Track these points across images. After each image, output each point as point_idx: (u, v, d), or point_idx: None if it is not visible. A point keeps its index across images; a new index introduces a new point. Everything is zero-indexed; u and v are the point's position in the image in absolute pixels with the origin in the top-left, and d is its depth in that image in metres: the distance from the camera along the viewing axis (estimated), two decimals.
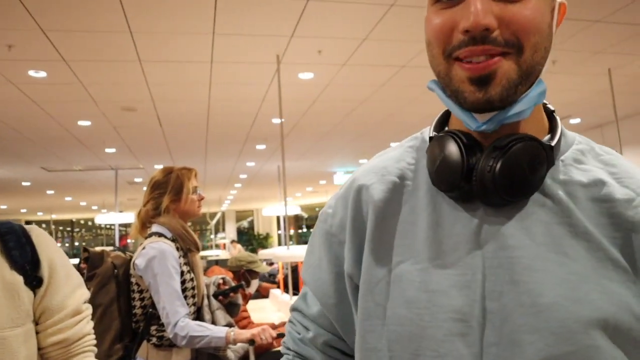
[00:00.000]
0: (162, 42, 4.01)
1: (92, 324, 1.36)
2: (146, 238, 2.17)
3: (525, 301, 0.59)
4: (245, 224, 24.91)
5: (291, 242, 22.62)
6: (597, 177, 0.64)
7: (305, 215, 22.52)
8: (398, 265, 0.68)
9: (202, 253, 12.63)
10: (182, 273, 2.12)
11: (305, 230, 24.30)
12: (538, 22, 0.60)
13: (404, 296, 0.66)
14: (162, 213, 2.22)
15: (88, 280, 2.11)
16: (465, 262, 0.63)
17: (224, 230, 23.20)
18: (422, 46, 0.67)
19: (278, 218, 20.19)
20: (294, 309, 0.89)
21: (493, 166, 0.61)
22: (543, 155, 0.62)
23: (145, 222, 2.25)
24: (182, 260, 2.15)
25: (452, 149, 0.65)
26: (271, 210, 12.39)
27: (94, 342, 1.35)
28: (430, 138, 0.71)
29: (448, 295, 0.63)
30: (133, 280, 2.12)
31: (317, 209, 22.15)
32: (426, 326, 0.63)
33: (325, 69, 4.91)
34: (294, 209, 12.20)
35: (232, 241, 16.13)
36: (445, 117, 0.76)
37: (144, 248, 2.09)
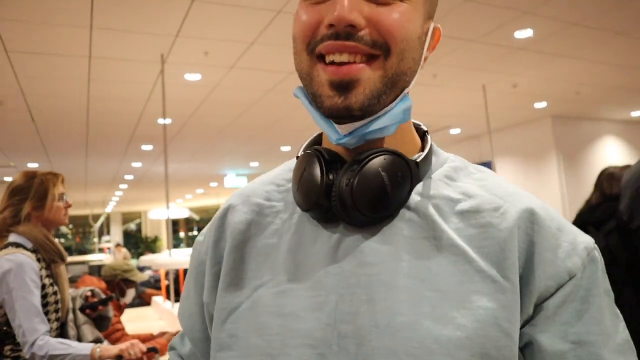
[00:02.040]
0: (31, 32, 3.71)
1: None
2: (2, 249, 1.99)
3: (381, 321, 0.55)
4: (132, 226, 23.79)
5: (182, 245, 21.97)
6: (466, 190, 0.62)
7: (197, 217, 21.97)
8: (256, 290, 0.64)
9: (84, 257, 11.87)
10: (43, 286, 1.96)
11: (196, 232, 23.72)
12: (407, 28, 0.58)
13: (257, 322, 0.61)
14: (21, 221, 2.04)
15: None
16: (319, 282, 0.59)
17: (109, 233, 22.01)
18: None
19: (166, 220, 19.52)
20: (170, 347, 0.83)
21: (351, 181, 0.58)
22: (406, 170, 0.60)
23: (1, 231, 2.05)
24: (44, 272, 2.00)
25: (312, 165, 0.62)
26: (158, 214, 11.95)
27: None
28: (297, 157, 0.68)
29: (300, 319, 0.59)
30: None
31: (211, 211, 21.72)
32: (275, 354, 0.58)
33: (213, 71, 4.82)
34: (183, 212, 11.87)
35: (117, 245, 15.30)
36: (319, 137, 0.73)
37: None
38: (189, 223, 23.34)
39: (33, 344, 1.85)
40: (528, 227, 0.58)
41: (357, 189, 0.58)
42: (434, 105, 6.67)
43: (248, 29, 3.89)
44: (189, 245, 21.25)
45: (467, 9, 3.74)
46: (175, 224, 22.03)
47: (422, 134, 0.69)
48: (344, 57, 0.57)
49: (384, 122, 0.59)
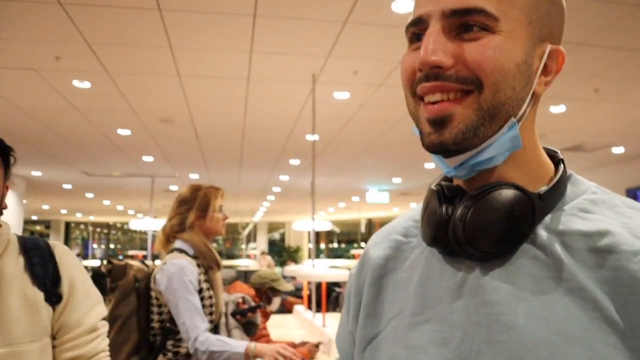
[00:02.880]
0: (200, 58, 4.11)
1: (107, 341, 1.39)
2: (168, 253, 2.21)
3: None
4: (276, 235, 25.03)
5: (322, 256, 22.59)
6: (603, 226, 0.56)
7: (337, 230, 22.49)
8: (389, 322, 0.67)
9: (232, 262, 12.74)
10: (201, 290, 2.14)
11: (336, 245, 24.25)
12: (498, 59, 0.57)
13: (389, 352, 0.64)
14: (186, 229, 2.25)
15: (110, 291, 2.16)
16: (445, 318, 0.60)
17: (255, 240, 23.37)
18: None
19: (309, 232, 20.22)
20: None
21: (465, 215, 0.58)
22: (526, 204, 0.57)
23: (169, 237, 2.28)
24: (202, 277, 2.18)
25: (433, 200, 0.64)
26: (302, 225, 12.43)
27: (108, 358, 1.37)
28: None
29: (426, 352, 0.60)
30: (153, 294, 2.16)
31: (351, 225, 22.09)
32: None
33: (361, 89, 4.92)
34: (325, 225, 12.20)
35: (262, 252, 16.20)
36: None
37: (164, 264, 2.12)
38: (329, 235, 23.94)
39: (196, 339, 2.02)
40: None
41: (469, 224, 0.58)
42: (595, 122, 6.12)
43: (396, 48, 3.92)
44: (328, 256, 21.79)
45: (638, 18, 3.40)
46: (316, 235, 22.73)
47: (557, 163, 0.65)
48: (437, 97, 0.58)
49: (491, 152, 0.59)
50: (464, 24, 0.58)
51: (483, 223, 0.57)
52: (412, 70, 0.61)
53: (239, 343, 2.08)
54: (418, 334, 0.62)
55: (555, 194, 0.61)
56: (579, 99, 5.18)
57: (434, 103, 0.59)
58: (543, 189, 0.60)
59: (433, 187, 0.66)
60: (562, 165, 0.64)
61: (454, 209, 0.61)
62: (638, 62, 4.21)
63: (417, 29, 0.62)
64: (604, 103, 5.35)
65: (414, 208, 0.78)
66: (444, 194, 0.63)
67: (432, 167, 9.26)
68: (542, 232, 0.58)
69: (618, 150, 7.64)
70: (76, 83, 4.65)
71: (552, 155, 0.67)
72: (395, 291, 0.69)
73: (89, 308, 1.33)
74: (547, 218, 0.59)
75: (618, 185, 8.34)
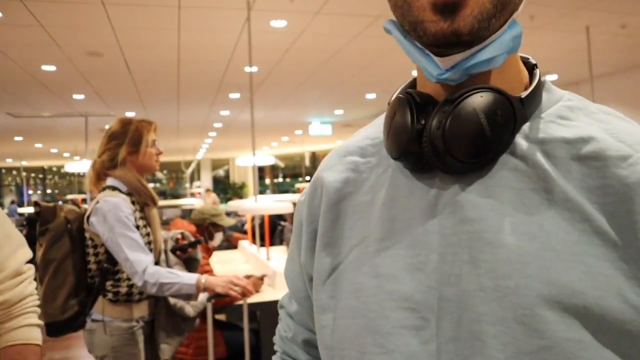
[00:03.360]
0: None
1: (34, 284, 1.32)
2: (100, 191, 2.11)
3: (486, 284, 0.49)
4: (221, 172, 24.80)
5: (268, 191, 22.67)
6: (586, 132, 0.52)
7: (282, 164, 22.49)
8: (351, 250, 0.61)
9: (177, 202, 12.58)
10: (137, 227, 2.07)
11: (282, 179, 24.32)
12: None
13: (353, 284, 0.58)
14: (118, 165, 2.15)
15: (40, 235, 2.05)
16: (418, 240, 0.55)
17: (199, 178, 23.10)
18: None
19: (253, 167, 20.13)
20: (280, 306, 0.83)
21: (443, 123, 0.52)
22: (507, 108, 0.52)
23: (100, 174, 2.17)
24: (137, 214, 2.10)
25: (403, 110, 0.56)
26: (245, 160, 12.31)
27: (37, 302, 1.31)
28: (389, 104, 0.61)
29: (398, 280, 0.54)
30: (87, 234, 2.07)
31: (296, 159, 22.12)
32: (373, 317, 0.55)
33: (299, 17, 4.75)
34: (269, 159, 12.14)
35: (207, 190, 16.07)
36: (414, 82, 0.66)
37: (97, 202, 2.03)
38: (274, 170, 23.94)
39: (144, 272, 1.96)
40: None
41: (449, 132, 0.51)
42: (529, 50, 6.21)
43: None
44: (274, 191, 21.88)
45: None
46: (261, 171, 22.69)
47: (531, 68, 0.60)
48: None
49: (493, 51, 0.51)
50: None
51: (464, 130, 0.51)
52: None
53: (189, 275, 2.04)
54: (387, 260, 0.56)
55: (533, 101, 0.55)
56: None
57: None
58: (523, 93, 0.54)
59: (400, 95, 0.59)
60: (536, 70, 0.59)
61: (427, 118, 0.55)
62: None
63: None
64: (539, 30, 5.41)
65: (369, 125, 0.71)
66: (415, 102, 0.56)
67: (374, 97, 9.26)
68: (521, 142, 0.54)
69: (551, 77, 7.88)
70: None
71: (525, 62, 0.61)
72: (357, 216, 0.62)
73: (11, 251, 1.25)
74: (526, 127, 0.55)
75: None
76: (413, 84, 0.66)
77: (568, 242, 0.48)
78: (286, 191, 20.25)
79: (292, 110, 10.60)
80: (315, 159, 20.91)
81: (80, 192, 15.94)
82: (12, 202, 19.30)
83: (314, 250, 0.66)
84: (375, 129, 0.68)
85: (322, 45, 5.71)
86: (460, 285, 0.51)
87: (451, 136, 0.51)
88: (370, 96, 9.26)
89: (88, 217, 2.05)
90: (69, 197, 13.69)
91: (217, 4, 4.36)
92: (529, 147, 0.53)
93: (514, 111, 0.52)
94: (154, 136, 2.25)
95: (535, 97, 0.55)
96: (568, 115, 0.55)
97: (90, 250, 2.06)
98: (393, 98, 0.61)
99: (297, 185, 14.55)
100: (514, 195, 0.52)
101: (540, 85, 0.57)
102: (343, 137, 16.07)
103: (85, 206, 2.21)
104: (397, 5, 0.54)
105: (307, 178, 20.82)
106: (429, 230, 0.54)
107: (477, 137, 0.51)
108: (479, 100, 0.51)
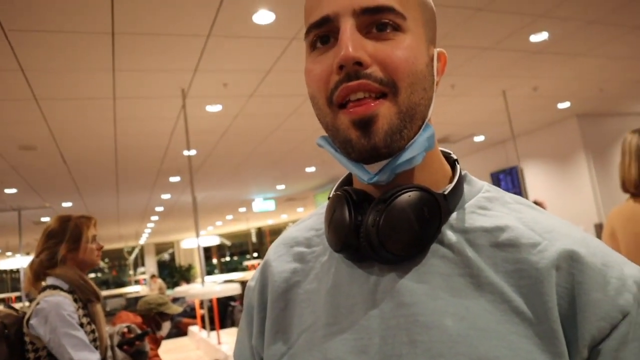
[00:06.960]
0: (58, 79, 3.86)
1: None
2: (40, 292, 2.06)
3: None
4: (166, 256, 24.09)
5: (216, 271, 22.13)
6: (502, 221, 0.59)
7: (228, 243, 22.14)
8: (301, 335, 0.64)
9: (121, 290, 12.07)
10: (82, 325, 2.02)
11: (229, 258, 23.86)
12: (412, 62, 0.58)
13: None
14: (58, 263, 2.11)
15: None
16: (361, 325, 0.59)
17: (144, 264, 22.33)
18: None
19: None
20: None
21: (377, 220, 0.58)
22: (433, 205, 0.58)
23: (39, 274, 2.12)
24: (81, 312, 2.06)
25: (341, 206, 0.62)
26: (190, 243, 12.10)
27: None
28: (328, 199, 0.68)
29: None
30: (27, 339, 2.00)
31: (242, 236, 21.86)
32: None
33: (233, 101, 4.91)
34: (214, 239, 11.98)
35: (152, 276, 15.50)
36: (350, 176, 0.72)
37: (38, 303, 1.98)
38: (221, 249, 23.52)
39: None
40: (570, 266, 0.55)
41: (382, 228, 0.57)
42: (455, 115, 6.64)
43: (264, 58, 3.97)
44: (222, 271, 21.38)
45: (480, 19, 3.75)
46: (207, 251, 22.22)
47: (452, 163, 0.68)
48: (359, 95, 0.57)
49: (411, 152, 0.59)
50: (374, 23, 0.58)
51: (395, 227, 0.57)
52: (326, 75, 0.59)
53: None
54: (334, 344, 0.60)
55: (456, 194, 0.62)
56: (438, 95, 5.57)
57: (357, 103, 0.57)
58: (447, 188, 0.61)
59: (338, 192, 0.65)
60: (457, 165, 0.67)
61: (363, 215, 0.61)
62: (484, 59, 4.64)
63: (322, 31, 0.60)
64: (460, 97, 5.82)
65: (310, 215, 0.78)
66: (352, 199, 0.62)
67: (313, 170, 9.47)
68: (448, 232, 0.60)
69: (479, 139, 8.35)
70: None
71: (447, 157, 0.69)
72: (305, 303, 0.67)
73: None
74: (452, 217, 0.62)
75: (483, 170, 9.08)
76: (349, 178, 0.73)
77: (492, 321, 0.54)
78: (235, 269, 19.85)
79: (234, 188, 10.64)
80: (262, 234, 20.77)
81: (15, 289, 15.04)
82: None
83: (263, 334, 0.70)
84: (317, 220, 0.75)
85: (258, 125, 5.88)
86: None
87: (384, 232, 0.57)
88: (310, 169, 9.46)
89: (28, 320, 1.98)
90: (1, 295, 12.87)
91: (152, 94, 4.47)
92: (454, 237, 0.60)
93: (439, 206, 0.59)
94: (94, 231, 2.24)
95: (457, 190, 0.63)
96: (487, 206, 0.63)
97: (31, 355, 1.98)
98: (332, 194, 0.68)
99: (246, 263, 14.33)
100: (443, 281, 0.58)
101: (461, 179, 0.65)
102: (287, 211, 16.13)
103: (19, 305, 2.13)
104: (328, 129, 0.62)
105: (255, 255, 20.54)
106: (370, 315, 0.59)
107: (407, 232, 0.57)
108: (407, 199, 0.58)
